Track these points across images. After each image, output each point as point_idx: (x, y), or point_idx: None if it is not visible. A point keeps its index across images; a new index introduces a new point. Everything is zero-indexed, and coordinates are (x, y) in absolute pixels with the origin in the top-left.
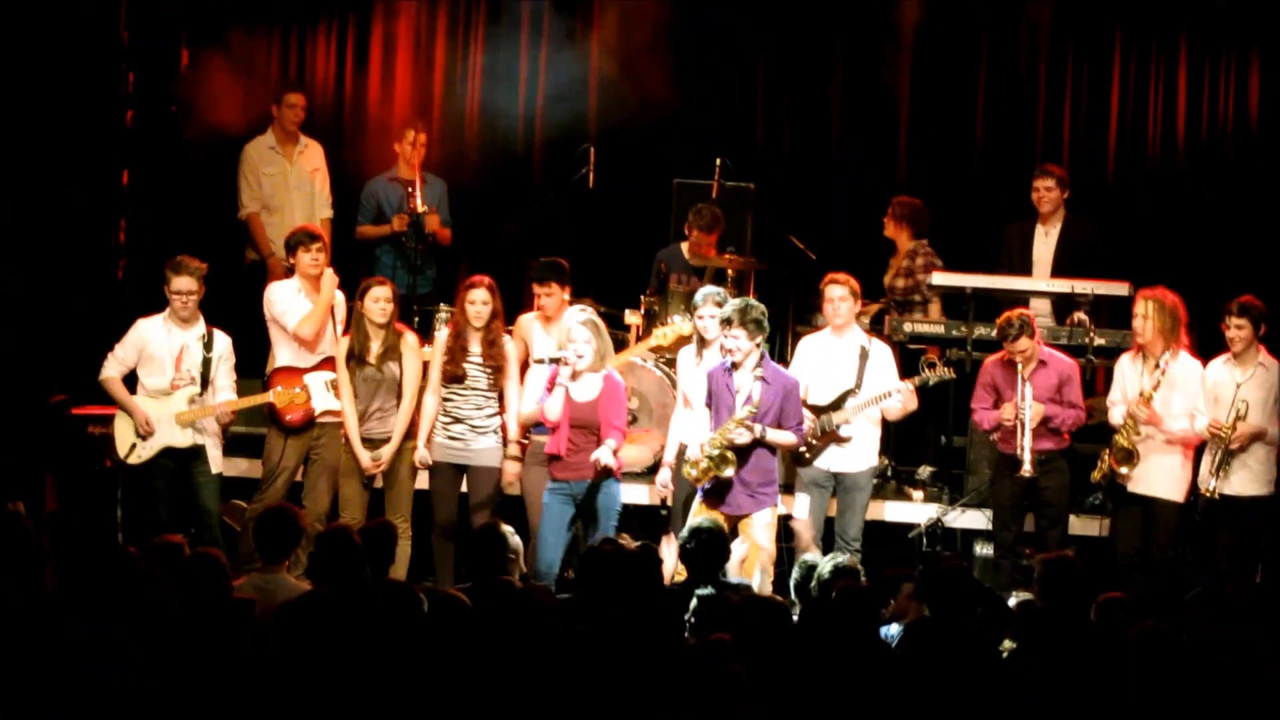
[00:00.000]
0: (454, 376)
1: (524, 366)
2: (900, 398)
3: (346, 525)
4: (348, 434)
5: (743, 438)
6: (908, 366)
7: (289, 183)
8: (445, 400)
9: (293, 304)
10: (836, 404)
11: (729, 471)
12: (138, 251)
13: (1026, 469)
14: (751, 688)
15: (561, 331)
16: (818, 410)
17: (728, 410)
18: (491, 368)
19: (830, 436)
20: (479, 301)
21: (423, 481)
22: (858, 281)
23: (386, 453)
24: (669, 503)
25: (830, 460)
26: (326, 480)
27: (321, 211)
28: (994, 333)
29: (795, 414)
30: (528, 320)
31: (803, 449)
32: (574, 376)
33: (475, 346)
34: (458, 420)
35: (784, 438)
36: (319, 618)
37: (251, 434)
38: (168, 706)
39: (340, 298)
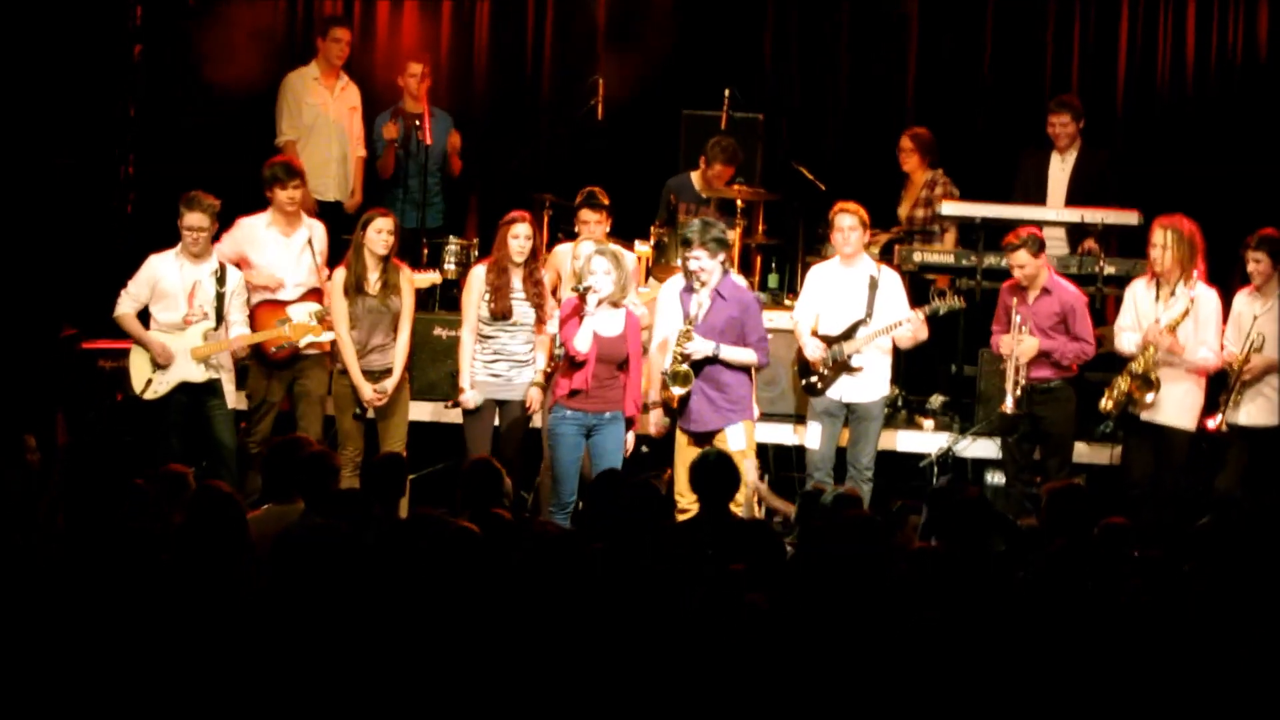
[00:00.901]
0: (501, 313)
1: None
2: (910, 326)
3: (397, 454)
4: (347, 366)
5: (695, 352)
6: (918, 296)
7: (327, 116)
8: (487, 338)
9: (258, 239)
10: (847, 334)
11: (679, 390)
12: (147, 186)
13: (1008, 405)
14: (768, 619)
15: (581, 262)
16: (828, 340)
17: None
18: (535, 304)
19: (841, 366)
20: (522, 236)
21: (436, 414)
22: (866, 211)
23: (390, 384)
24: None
25: (842, 390)
26: (316, 412)
27: (355, 150)
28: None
29: (755, 331)
30: (564, 251)
31: (814, 379)
32: (597, 305)
33: (518, 282)
34: (501, 357)
35: (740, 355)
36: (324, 550)
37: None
38: (165, 639)
39: (319, 229)
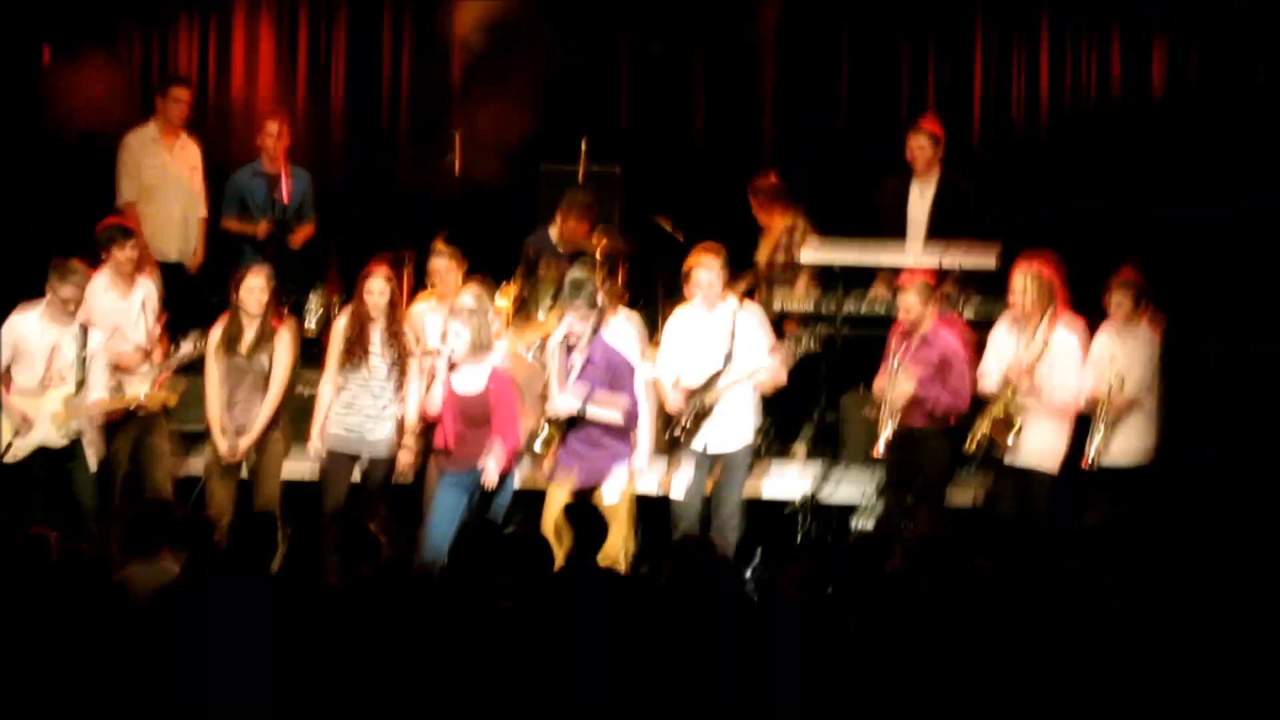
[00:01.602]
0: (352, 366)
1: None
2: (769, 370)
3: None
4: (209, 424)
5: (559, 410)
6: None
7: (168, 176)
8: (342, 389)
9: (98, 302)
10: (708, 384)
11: (548, 446)
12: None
13: (879, 449)
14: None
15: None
16: (689, 392)
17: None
18: (391, 358)
19: (702, 417)
20: (376, 292)
21: (304, 472)
22: (728, 255)
23: (244, 442)
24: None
25: (706, 441)
26: (165, 468)
27: (197, 210)
28: (864, 307)
29: (626, 387)
30: (418, 311)
31: (677, 432)
32: (451, 368)
33: (375, 335)
34: (354, 410)
35: (606, 413)
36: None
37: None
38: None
39: (152, 287)
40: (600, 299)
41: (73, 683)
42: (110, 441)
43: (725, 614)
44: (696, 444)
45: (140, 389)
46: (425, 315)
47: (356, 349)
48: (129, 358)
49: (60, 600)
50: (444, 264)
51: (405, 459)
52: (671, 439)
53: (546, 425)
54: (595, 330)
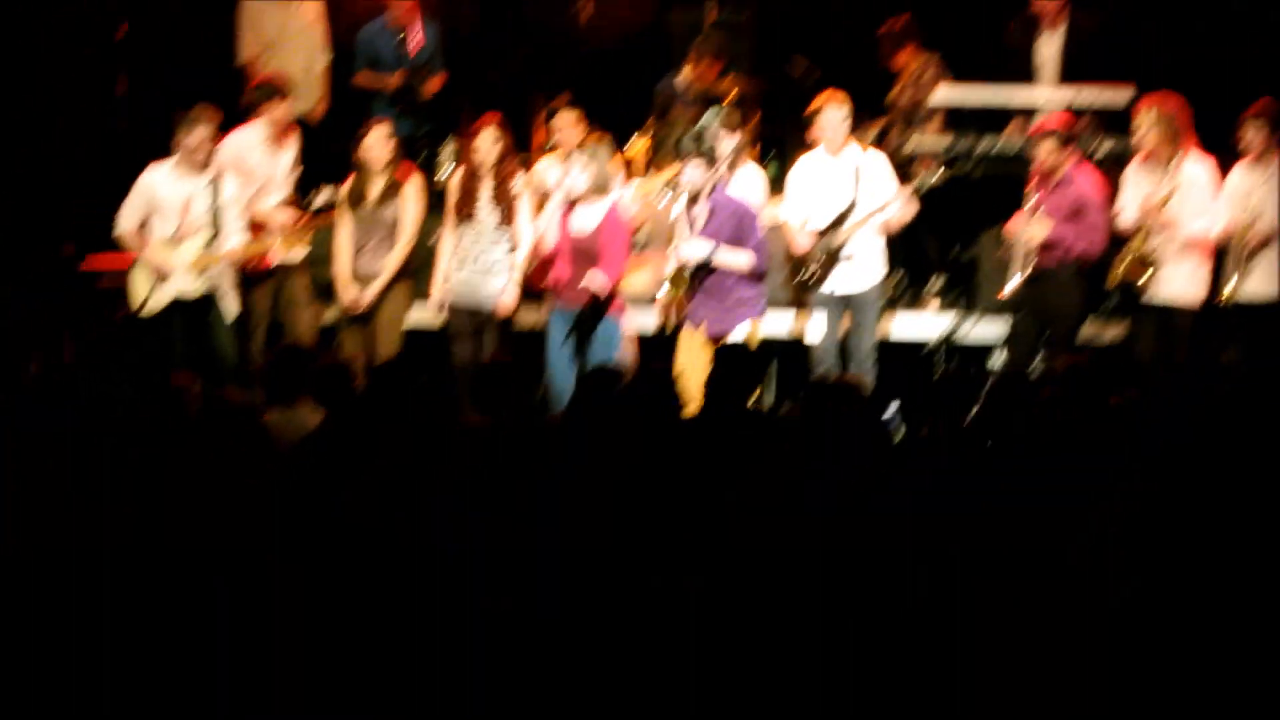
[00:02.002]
0: (465, 217)
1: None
2: (897, 206)
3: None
4: (337, 275)
5: (690, 256)
6: (903, 178)
7: (289, 28)
8: (456, 244)
9: (251, 158)
10: (835, 224)
11: (676, 289)
12: (140, 103)
13: (1008, 290)
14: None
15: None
16: (817, 235)
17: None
18: (503, 207)
19: (832, 258)
20: (483, 149)
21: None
22: (860, 98)
23: (368, 293)
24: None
25: (837, 282)
26: (306, 319)
27: (319, 62)
28: (997, 148)
29: (752, 238)
30: (541, 168)
31: (807, 275)
32: (570, 207)
33: (483, 191)
34: (466, 265)
35: (736, 259)
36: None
37: None
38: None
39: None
40: (725, 149)
41: (215, 528)
42: (249, 293)
43: (864, 453)
44: (827, 287)
45: (274, 239)
46: (548, 173)
47: (465, 205)
48: (274, 215)
49: (205, 446)
50: (564, 122)
51: (504, 304)
52: (801, 283)
53: (671, 273)
54: (717, 182)
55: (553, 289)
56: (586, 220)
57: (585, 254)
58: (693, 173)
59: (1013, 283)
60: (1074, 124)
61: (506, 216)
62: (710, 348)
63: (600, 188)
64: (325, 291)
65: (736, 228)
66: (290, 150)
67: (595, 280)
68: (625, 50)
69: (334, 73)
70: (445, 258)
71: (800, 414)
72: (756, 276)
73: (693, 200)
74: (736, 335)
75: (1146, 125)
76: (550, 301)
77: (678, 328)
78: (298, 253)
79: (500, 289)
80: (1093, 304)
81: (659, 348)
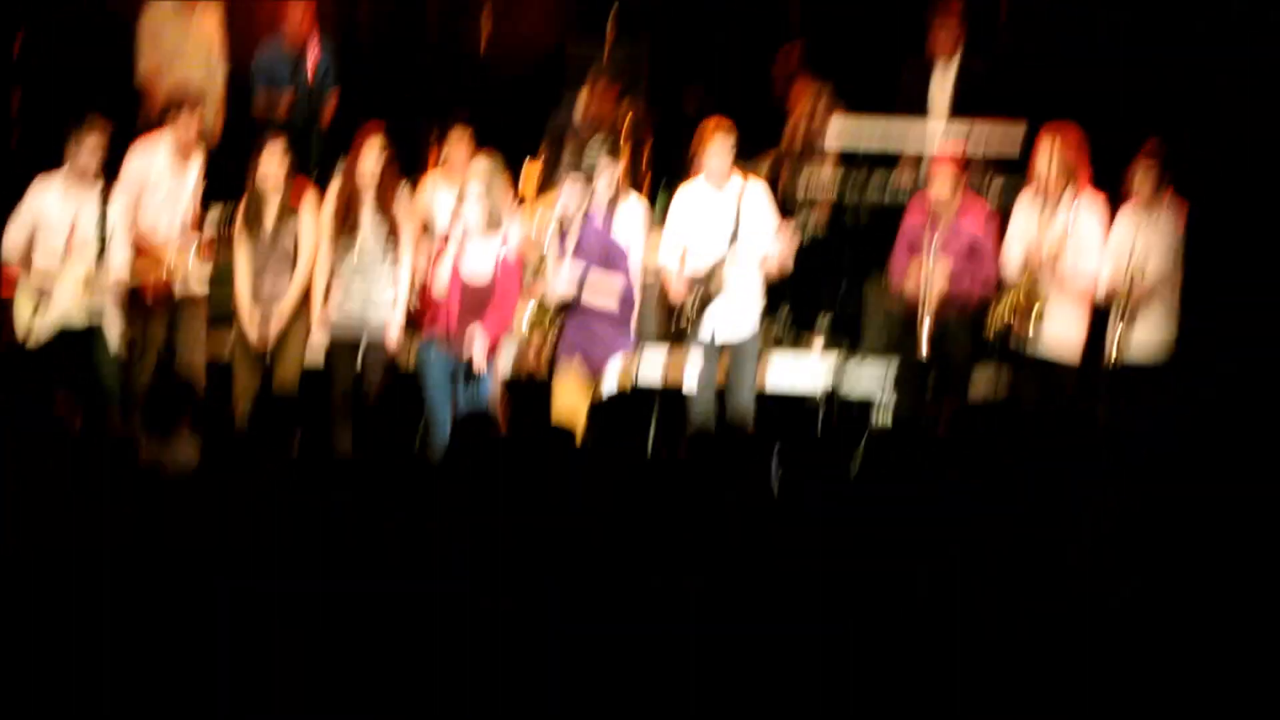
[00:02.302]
0: (345, 232)
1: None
2: (774, 255)
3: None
4: (238, 306)
5: (556, 291)
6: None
7: (186, 46)
8: (335, 271)
9: (153, 174)
10: (711, 272)
11: (544, 330)
12: (32, 120)
13: (924, 349)
14: None
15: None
16: (693, 281)
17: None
18: (385, 225)
19: (708, 302)
20: (372, 153)
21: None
22: (748, 129)
23: (273, 329)
24: None
25: (714, 329)
26: (199, 350)
27: (215, 79)
28: (888, 196)
29: (619, 265)
30: (426, 185)
31: (682, 322)
32: (460, 243)
33: (368, 202)
34: (350, 295)
35: (605, 282)
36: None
37: None
38: None
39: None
40: (605, 174)
41: (92, 560)
42: (145, 318)
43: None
44: (704, 333)
45: (169, 261)
46: (434, 191)
47: (346, 219)
48: (174, 235)
49: (84, 480)
50: (455, 139)
51: (394, 339)
52: (677, 329)
53: (534, 307)
54: (589, 209)
55: (438, 333)
56: (479, 263)
57: (476, 300)
58: (569, 194)
59: (924, 334)
60: (968, 158)
61: (390, 235)
62: (587, 389)
63: (494, 223)
64: (222, 317)
65: (605, 255)
66: (195, 166)
67: (479, 341)
68: (523, 76)
69: (229, 89)
70: (321, 278)
71: (683, 461)
72: (626, 305)
73: (565, 224)
74: (611, 374)
75: (1044, 156)
76: (428, 341)
77: (550, 367)
78: (198, 278)
79: (384, 320)
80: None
81: (528, 391)
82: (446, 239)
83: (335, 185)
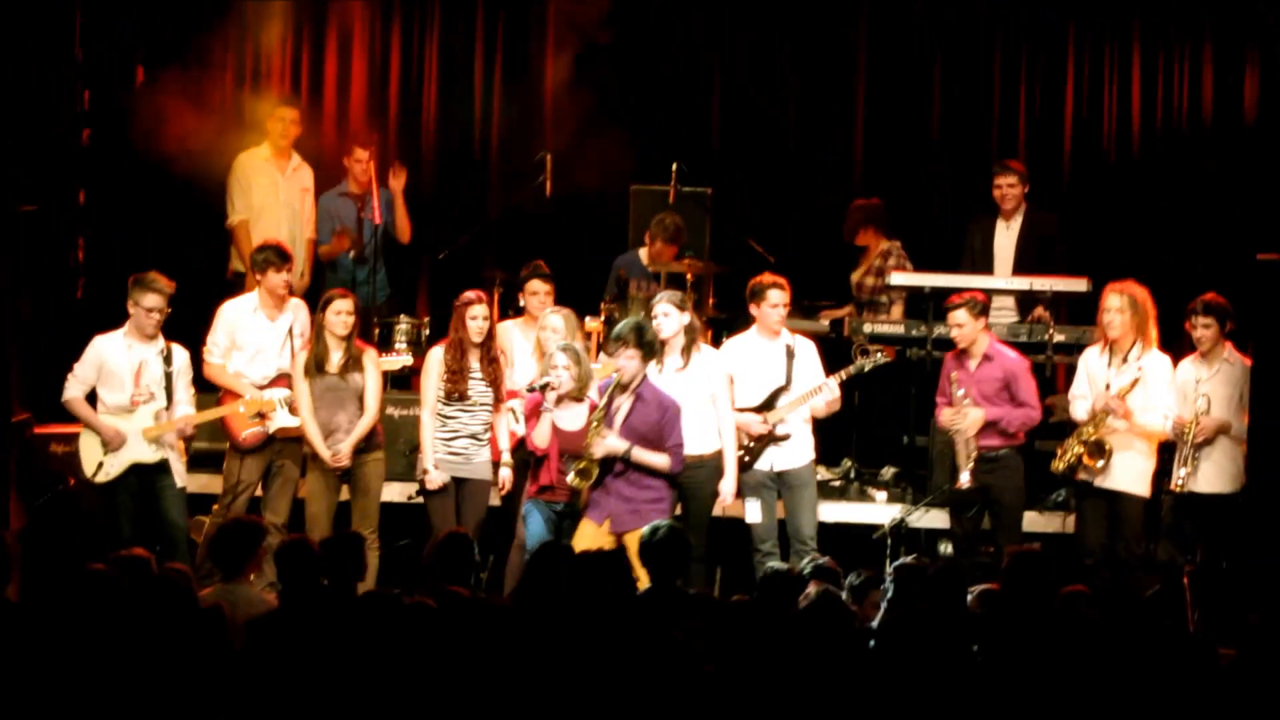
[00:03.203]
0: (459, 395)
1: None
2: (826, 395)
3: (304, 536)
4: (310, 442)
5: (599, 450)
6: (843, 358)
7: (279, 197)
8: (446, 418)
9: (245, 324)
10: (768, 403)
11: (584, 481)
12: (96, 270)
13: (964, 480)
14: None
15: (541, 340)
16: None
17: (608, 425)
18: (491, 382)
19: (767, 438)
20: (480, 317)
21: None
22: (818, 280)
23: (345, 448)
24: None
25: (771, 460)
26: (287, 492)
27: (305, 232)
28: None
29: (672, 436)
30: (505, 328)
31: (742, 453)
32: (558, 402)
33: (475, 363)
34: (460, 435)
35: (653, 459)
36: (288, 631)
37: (214, 450)
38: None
39: (302, 308)
40: (669, 334)
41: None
42: (241, 461)
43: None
44: (762, 464)
45: (235, 407)
46: (512, 333)
47: (461, 378)
48: (255, 387)
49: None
50: (544, 287)
51: (506, 475)
52: (740, 462)
53: (580, 464)
54: (640, 387)
55: (546, 486)
56: (571, 419)
57: (571, 444)
58: (627, 363)
59: (965, 474)
60: (984, 296)
61: (495, 389)
62: (612, 539)
63: (581, 391)
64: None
65: (659, 423)
66: (287, 319)
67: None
68: (589, 221)
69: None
70: (429, 433)
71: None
72: (669, 476)
73: (622, 389)
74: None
75: (1114, 310)
76: (531, 491)
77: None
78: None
79: (485, 460)
80: (1036, 492)
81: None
82: (532, 390)
83: (443, 344)
